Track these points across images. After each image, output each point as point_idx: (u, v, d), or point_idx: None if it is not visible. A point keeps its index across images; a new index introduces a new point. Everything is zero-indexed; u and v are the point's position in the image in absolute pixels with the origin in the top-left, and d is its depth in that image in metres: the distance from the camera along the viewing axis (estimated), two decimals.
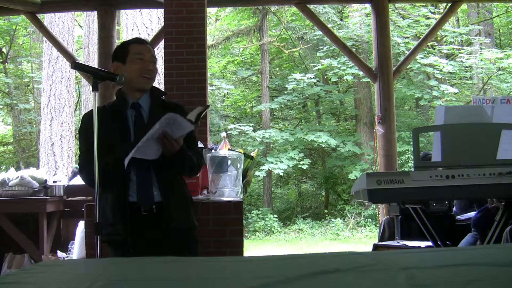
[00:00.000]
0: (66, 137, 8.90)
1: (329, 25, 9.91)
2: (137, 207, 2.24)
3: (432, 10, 11.48)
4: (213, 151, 3.25)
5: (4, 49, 13.95)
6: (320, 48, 12.29)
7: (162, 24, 5.48)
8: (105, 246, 2.26)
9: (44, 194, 5.00)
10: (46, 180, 5.16)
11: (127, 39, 2.61)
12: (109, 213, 2.23)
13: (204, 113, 2.33)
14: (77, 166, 3.00)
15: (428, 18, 11.12)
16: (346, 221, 11.53)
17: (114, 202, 2.24)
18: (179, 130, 2.17)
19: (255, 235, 11.29)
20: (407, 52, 7.07)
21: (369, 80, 8.81)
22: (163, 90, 2.58)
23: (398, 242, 4.19)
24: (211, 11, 13.18)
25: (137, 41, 2.44)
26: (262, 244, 10.37)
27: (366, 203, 10.88)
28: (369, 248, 5.48)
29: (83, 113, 10.44)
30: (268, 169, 11.68)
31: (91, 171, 2.15)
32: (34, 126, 13.56)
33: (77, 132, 2.40)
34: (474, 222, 3.95)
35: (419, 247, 3.71)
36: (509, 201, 2.64)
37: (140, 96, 2.36)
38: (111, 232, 2.21)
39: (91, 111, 2.34)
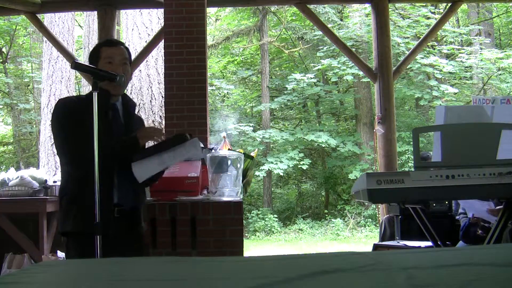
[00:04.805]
0: None
1: (329, 25, 9.91)
2: (113, 208, 2.27)
3: (432, 10, 11.48)
4: (213, 151, 3.25)
5: (4, 49, 13.94)
6: (320, 48, 12.29)
7: (162, 24, 5.48)
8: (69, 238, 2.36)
9: (44, 194, 5.00)
10: (46, 180, 5.15)
11: (100, 41, 2.61)
12: (93, 208, 2.16)
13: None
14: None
15: (428, 18, 11.12)
16: (346, 221, 11.53)
17: (100, 199, 2.20)
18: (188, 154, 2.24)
19: (255, 235, 11.29)
20: (407, 52, 7.07)
21: (369, 80, 8.81)
22: (135, 102, 2.59)
23: (398, 242, 4.20)
24: (211, 11, 13.18)
25: (109, 43, 2.41)
26: (262, 244, 10.37)
27: (366, 203, 10.88)
28: (369, 248, 5.48)
29: None
30: (268, 169, 11.67)
31: (85, 157, 2.14)
32: (34, 126, 13.56)
33: (54, 117, 2.32)
34: (461, 235, 4.03)
35: (419, 247, 3.71)
36: (509, 201, 2.64)
37: (116, 99, 2.37)
38: (96, 226, 2.17)
39: (69, 100, 2.39)
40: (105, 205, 2.18)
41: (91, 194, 2.12)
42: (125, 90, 2.52)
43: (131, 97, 2.57)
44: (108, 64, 2.30)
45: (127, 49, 2.43)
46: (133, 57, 7.52)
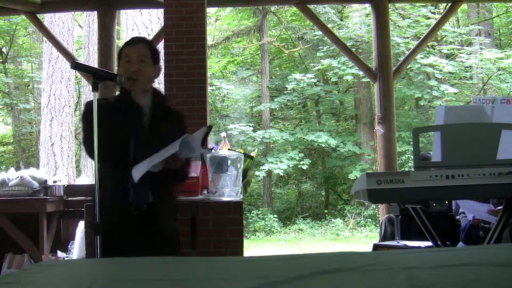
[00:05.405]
0: (66, 137, 8.89)
1: (329, 25, 9.91)
2: (129, 205, 2.28)
3: (432, 10, 11.48)
4: (213, 151, 3.25)
5: (4, 49, 13.93)
6: (320, 48, 12.29)
7: (162, 24, 5.48)
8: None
9: (44, 194, 5.00)
10: (46, 180, 5.15)
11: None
12: (110, 205, 2.23)
13: (208, 134, 2.34)
14: None
15: (428, 18, 11.12)
16: (346, 221, 11.53)
17: (115, 196, 2.26)
18: (190, 152, 2.19)
19: (255, 235, 11.28)
20: (407, 52, 7.07)
21: (369, 80, 8.81)
22: (165, 96, 2.56)
23: (398, 242, 4.19)
24: (211, 11, 13.18)
25: (128, 42, 2.46)
26: (262, 244, 10.36)
27: (366, 203, 10.88)
28: (369, 248, 5.47)
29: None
30: (268, 169, 11.67)
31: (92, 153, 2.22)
32: (34, 126, 13.56)
33: (81, 116, 2.35)
34: (463, 237, 4.03)
35: (419, 247, 3.71)
36: (509, 201, 2.64)
37: (141, 97, 2.38)
38: (111, 223, 2.23)
39: (91, 101, 2.40)
40: (120, 203, 2.23)
41: (105, 193, 2.21)
42: (146, 85, 2.45)
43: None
44: (126, 63, 2.35)
45: (149, 45, 2.43)
46: None
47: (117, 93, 2.48)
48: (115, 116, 2.27)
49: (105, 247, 2.24)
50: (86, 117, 2.35)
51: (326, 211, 12.55)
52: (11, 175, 5.14)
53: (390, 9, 5.84)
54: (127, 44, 2.44)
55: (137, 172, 2.18)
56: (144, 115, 2.36)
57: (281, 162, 11.68)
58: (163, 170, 2.24)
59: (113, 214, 2.25)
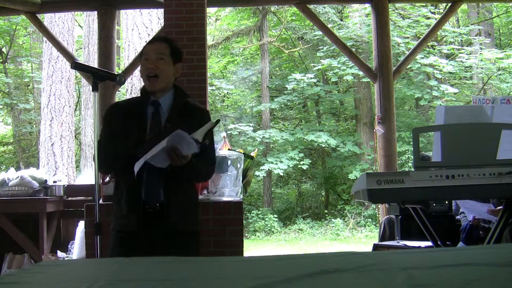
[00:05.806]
0: (66, 137, 8.89)
1: (329, 25, 9.91)
2: (142, 204, 2.28)
3: (432, 10, 11.48)
4: None
5: (4, 49, 13.93)
6: (320, 48, 12.29)
7: (162, 24, 5.48)
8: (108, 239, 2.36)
9: (44, 194, 5.00)
10: (46, 180, 5.15)
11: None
12: (124, 205, 2.29)
13: (213, 129, 2.31)
14: None
15: (428, 18, 11.12)
16: (346, 221, 11.53)
17: (128, 196, 2.29)
18: (189, 148, 2.17)
19: (255, 235, 11.29)
20: (407, 52, 7.06)
21: (369, 80, 8.81)
22: (186, 92, 2.46)
23: (398, 242, 4.19)
24: (211, 11, 13.17)
25: (150, 41, 2.47)
26: (262, 244, 10.37)
27: (366, 203, 10.88)
28: (369, 248, 5.47)
29: (83, 113, 10.45)
30: (268, 169, 11.67)
31: (102, 157, 2.31)
32: (34, 126, 13.56)
33: (102, 119, 2.39)
34: (463, 237, 4.02)
35: (419, 247, 3.71)
36: (509, 201, 2.64)
37: (160, 95, 2.35)
38: (125, 223, 2.28)
39: (116, 103, 2.58)
40: (133, 202, 2.25)
41: (118, 193, 2.31)
42: (166, 84, 2.38)
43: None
44: (145, 61, 2.35)
45: (169, 43, 2.38)
46: (133, 57, 7.52)
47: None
48: (131, 118, 2.29)
49: (117, 245, 2.29)
50: (106, 120, 2.37)
51: (326, 211, 12.55)
52: (11, 175, 5.14)
53: (390, 9, 5.83)
54: (149, 42, 2.43)
55: (137, 164, 2.18)
56: (162, 115, 2.34)
57: (281, 162, 11.68)
58: (174, 168, 2.20)
59: (127, 212, 2.27)
